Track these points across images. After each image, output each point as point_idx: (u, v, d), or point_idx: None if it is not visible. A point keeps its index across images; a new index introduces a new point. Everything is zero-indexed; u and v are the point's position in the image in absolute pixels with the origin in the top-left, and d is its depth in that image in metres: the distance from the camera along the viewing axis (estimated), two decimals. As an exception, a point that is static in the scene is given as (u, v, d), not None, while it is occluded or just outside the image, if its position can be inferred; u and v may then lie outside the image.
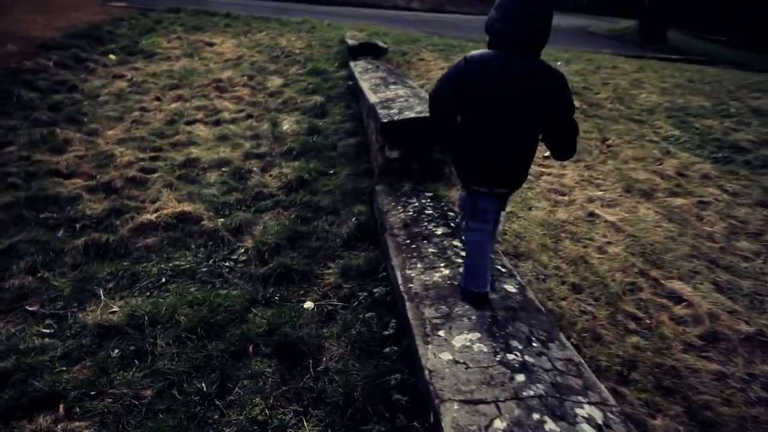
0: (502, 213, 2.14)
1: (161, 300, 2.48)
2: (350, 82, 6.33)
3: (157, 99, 5.62)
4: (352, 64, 6.80)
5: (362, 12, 19.35)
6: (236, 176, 3.95)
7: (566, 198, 3.47)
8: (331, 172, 3.96)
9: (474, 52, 1.86)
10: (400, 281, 2.28)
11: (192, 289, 2.60)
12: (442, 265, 2.37)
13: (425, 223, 2.82)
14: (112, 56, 7.04)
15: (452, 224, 2.80)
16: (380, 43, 7.73)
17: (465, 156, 2.00)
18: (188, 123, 4.99)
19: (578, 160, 4.04)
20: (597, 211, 3.28)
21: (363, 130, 4.86)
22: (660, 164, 4.07)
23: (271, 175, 3.97)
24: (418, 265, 2.39)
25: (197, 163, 4.12)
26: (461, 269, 2.18)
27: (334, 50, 7.97)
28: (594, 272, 2.68)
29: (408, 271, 2.34)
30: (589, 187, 3.62)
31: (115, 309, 2.43)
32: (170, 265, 2.83)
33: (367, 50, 7.46)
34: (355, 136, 4.71)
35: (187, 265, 2.82)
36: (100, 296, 2.55)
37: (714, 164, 4.20)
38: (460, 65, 1.87)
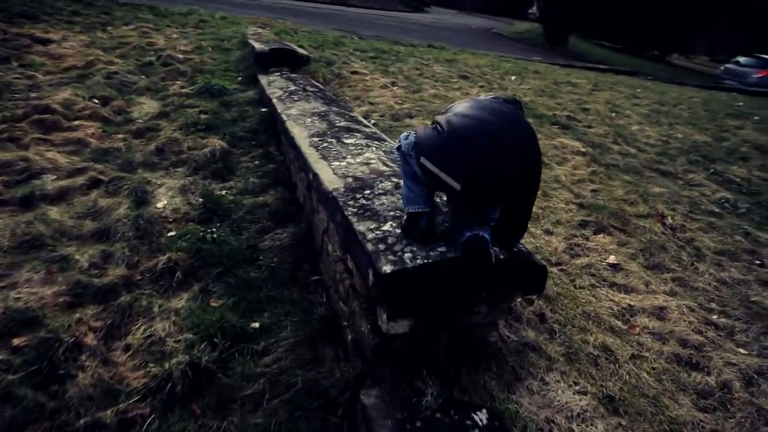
0: None
1: None
2: (264, 109, 4.33)
3: None
4: (263, 80, 4.78)
5: (262, 2, 16.91)
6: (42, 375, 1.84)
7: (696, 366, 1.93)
8: (254, 328, 2.03)
9: None
10: None
11: None
12: None
13: None
14: None
15: None
16: (299, 50, 5.76)
17: None
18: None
19: (656, 267, 2.53)
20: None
21: (296, 204, 2.96)
22: (759, 262, 2.71)
23: (120, 366, 1.90)
24: None
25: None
26: None
27: (234, 56, 5.84)
28: None
29: None
30: (712, 334, 2.12)
31: None
32: None
33: (283, 59, 5.46)
34: (287, 222, 2.80)
35: None
36: None
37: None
38: None
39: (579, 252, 2.56)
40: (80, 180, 2.99)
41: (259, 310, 2.14)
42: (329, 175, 2.26)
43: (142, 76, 4.93)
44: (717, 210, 3.28)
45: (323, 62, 6.09)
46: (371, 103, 4.95)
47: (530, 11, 60.56)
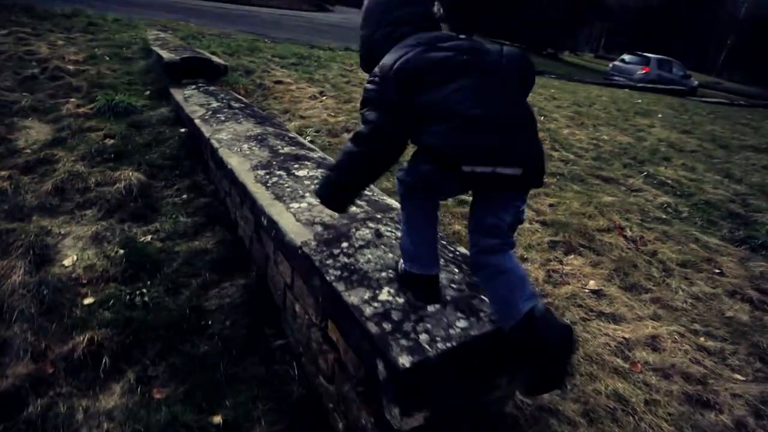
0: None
1: None
2: (183, 130, 3.80)
3: None
4: (178, 95, 4.22)
5: (155, 1, 15.58)
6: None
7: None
8: (216, 426, 1.63)
9: None
10: None
11: None
12: None
13: None
14: None
15: None
16: (214, 58, 5.20)
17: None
18: None
19: (633, 287, 2.48)
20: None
21: (240, 247, 2.53)
22: (719, 271, 2.78)
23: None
24: None
25: None
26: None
27: (137, 66, 5.14)
28: None
29: None
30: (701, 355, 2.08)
31: None
32: None
33: (196, 69, 4.90)
34: (233, 272, 2.38)
35: None
36: None
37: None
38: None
39: (559, 279, 2.44)
40: (-47, 238, 2.33)
41: (219, 397, 1.74)
42: (291, 223, 1.90)
43: (25, 93, 4.13)
44: (664, 216, 3.36)
45: (241, 71, 5.58)
46: (302, 117, 4.56)
47: (434, 10, 62.69)
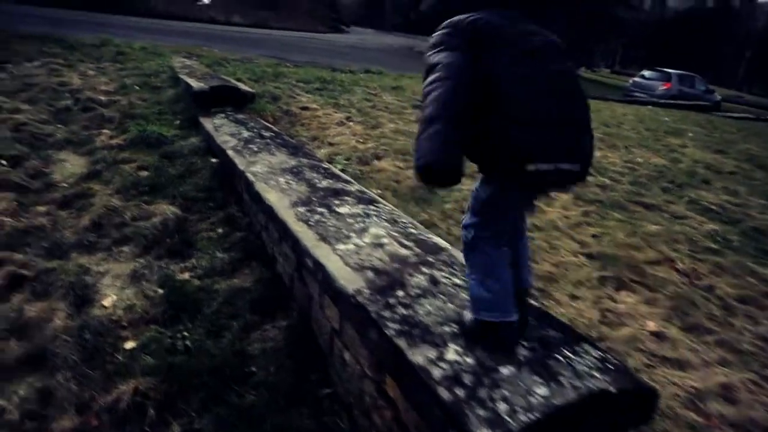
0: None
1: None
2: (214, 160, 3.80)
3: None
4: (208, 124, 4.24)
5: (174, 26, 16.00)
6: None
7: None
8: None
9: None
10: None
11: None
12: None
13: None
14: None
15: None
16: (242, 86, 5.24)
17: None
18: None
19: (695, 328, 2.34)
20: None
21: (279, 285, 2.47)
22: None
23: None
24: None
25: None
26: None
27: (166, 95, 5.19)
28: None
29: None
30: None
31: None
32: None
33: (225, 97, 4.94)
34: (274, 312, 2.31)
35: None
36: None
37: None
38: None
39: (615, 320, 2.32)
40: (-10, 281, 2.31)
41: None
42: (340, 267, 1.83)
43: (59, 125, 4.19)
44: (714, 246, 3.21)
45: (268, 98, 5.61)
46: (331, 144, 4.54)
47: (446, 29, 63.26)
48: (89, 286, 2.38)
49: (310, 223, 2.21)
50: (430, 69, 1.29)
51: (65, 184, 3.32)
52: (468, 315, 1.43)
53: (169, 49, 8.78)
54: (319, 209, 2.35)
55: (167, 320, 2.23)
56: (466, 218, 1.41)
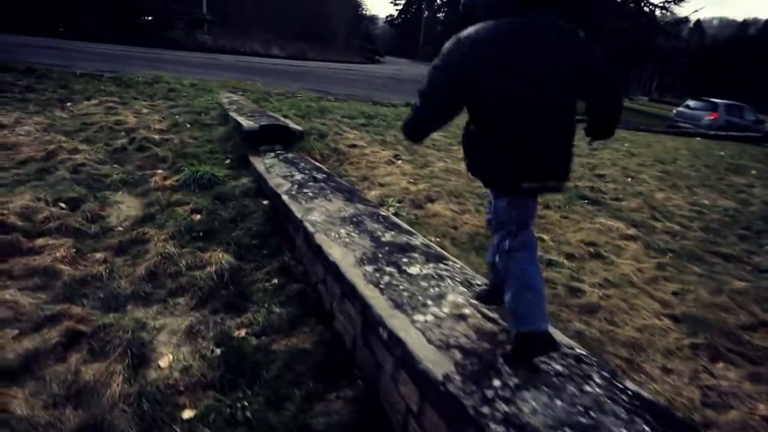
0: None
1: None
2: (265, 202, 3.74)
3: None
4: (259, 164, 4.21)
5: (218, 60, 16.58)
6: None
7: None
8: None
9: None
10: None
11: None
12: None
13: None
14: None
15: None
16: (291, 125, 5.24)
17: (499, 147, 1.57)
18: None
19: None
20: None
21: (340, 346, 2.30)
22: None
23: None
24: None
25: None
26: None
27: (216, 133, 5.24)
28: None
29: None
30: None
31: None
32: None
33: (274, 135, 4.94)
34: (338, 379, 2.14)
35: None
36: None
37: None
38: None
39: (718, 400, 2.06)
40: (52, 335, 2.24)
41: None
42: (422, 345, 1.66)
43: (115, 166, 4.24)
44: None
45: (315, 134, 5.59)
46: (381, 185, 4.43)
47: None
48: (145, 344, 2.29)
49: (380, 286, 2.06)
50: (431, 70, 1.61)
51: (120, 228, 3.30)
52: (512, 331, 1.53)
53: (216, 84, 9.02)
54: (388, 268, 2.20)
55: (225, 386, 2.10)
56: (492, 245, 1.72)
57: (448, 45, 1.57)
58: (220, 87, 8.76)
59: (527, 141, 1.52)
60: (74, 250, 2.93)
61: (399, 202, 4.03)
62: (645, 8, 27.25)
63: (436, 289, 2.02)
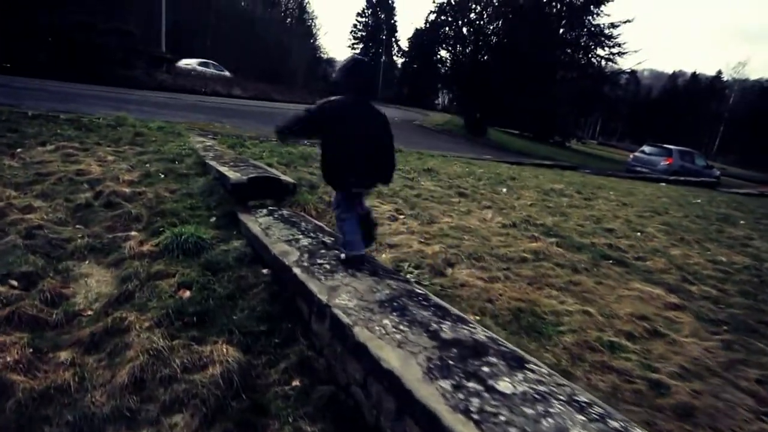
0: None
1: None
2: (265, 271, 3.18)
3: None
4: (253, 225, 3.66)
5: (180, 99, 15.94)
6: None
7: None
8: None
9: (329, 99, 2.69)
10: None
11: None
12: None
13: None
14: None
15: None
16: (283, 177, 4.74)
17: (331, 169, 2.78)
18: None
19: None
20: None
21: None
22: None
23: None
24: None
25: None
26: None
27: (196, 185, 4.65)
28: None
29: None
30: None
31: None
32: None
33: (264, 189, 4.42)
34: None
35: None
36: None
37: None
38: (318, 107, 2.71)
39: None
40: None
41: None
42: None
43: (79, 227, 3.56)
44: None
45: (306, 186, 5.10)
46: (391, 246, 3.96)
47: (436, 101, 65.62)
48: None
49: (472, 414, 1.55)
50: (307, 108, 2.73)
51: (90, 312, 2.64)
52: (342, 255, 2.88)
53: (184, 126, 8.41)
54: (471, 385, 1.70)
55: None
56: (335, 211, 2.93)
57: (319, 102, 2.69)
58: (188, 129, 8.16)
59: (352, 163, 2.68)
60: (31, 350, 2.25)
61: (416, 267, 3.57)
62: (593, 60, 28.96)
63: (548, 419, 1.54)
